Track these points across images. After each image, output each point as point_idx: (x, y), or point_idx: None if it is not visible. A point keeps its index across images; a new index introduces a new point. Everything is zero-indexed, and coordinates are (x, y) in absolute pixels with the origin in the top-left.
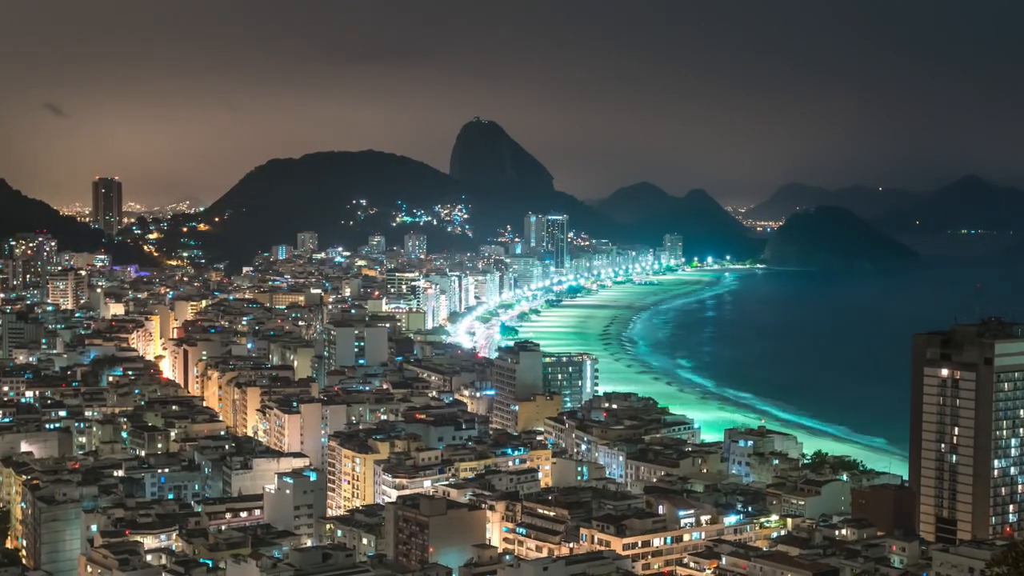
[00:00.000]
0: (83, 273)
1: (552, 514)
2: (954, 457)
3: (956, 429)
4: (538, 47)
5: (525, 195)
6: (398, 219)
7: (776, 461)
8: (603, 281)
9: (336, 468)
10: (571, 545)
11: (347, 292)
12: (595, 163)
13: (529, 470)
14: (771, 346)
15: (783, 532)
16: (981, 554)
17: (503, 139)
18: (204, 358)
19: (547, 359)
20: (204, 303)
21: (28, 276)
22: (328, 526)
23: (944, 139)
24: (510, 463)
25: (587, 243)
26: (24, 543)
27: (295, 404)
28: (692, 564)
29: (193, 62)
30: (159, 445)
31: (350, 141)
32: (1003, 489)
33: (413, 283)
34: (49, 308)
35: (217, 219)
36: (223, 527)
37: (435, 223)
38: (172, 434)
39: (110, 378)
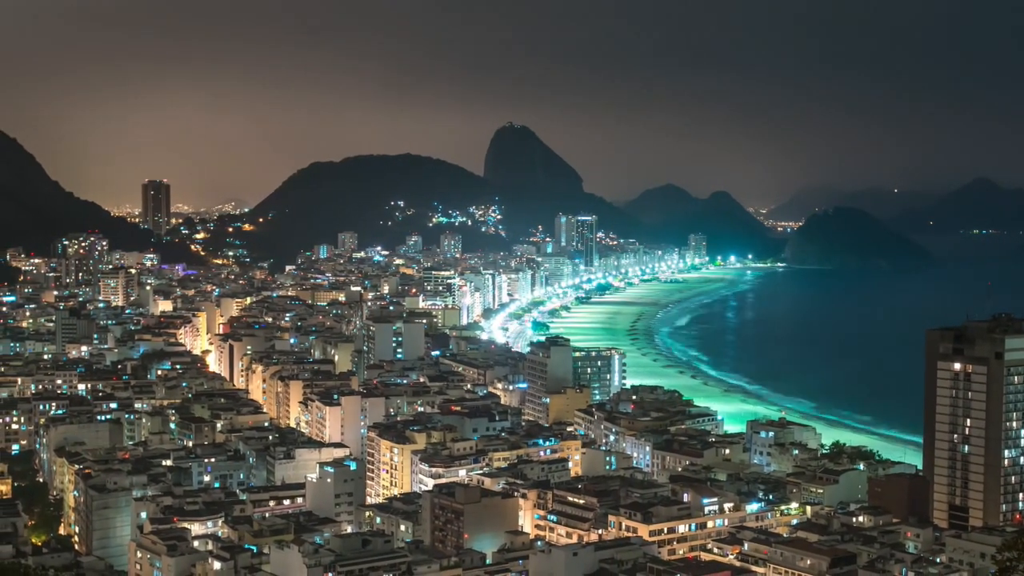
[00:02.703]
0: (133, 271)
1: (582, 502)
2: (966, 447)
3: (968, 420)
4: (568, 57)
5: (556, 197)
6: (434, 220)
7: (796, 451)
8: (630, 279)
9: (375, 458)
10: (600, 531)
11: (386, 289)
12: (623, 166)
13: (560, 460)
14: (791, 341)
15: (803, 519)
16: (992, 540)
17: (535, 143)
18: (249, 353)
19: (577, 354)
20: (249, 300)
21: (80, 274)
22: (367, 513)
23: (956, 143)
24: (541, 453)
25: (615, 243)
26: (77, 529)
27: (336, 397)
28: (716, 550)
29: (237, 70)
30: (206, 436)
31: (388, 145)
32: (1013, 478)
33: (449, 281)
34: (100, 305)
35: (261, 219)
36: (267, 514)
37: (470, 223)
38: (218, 425)
39: (159, 372)
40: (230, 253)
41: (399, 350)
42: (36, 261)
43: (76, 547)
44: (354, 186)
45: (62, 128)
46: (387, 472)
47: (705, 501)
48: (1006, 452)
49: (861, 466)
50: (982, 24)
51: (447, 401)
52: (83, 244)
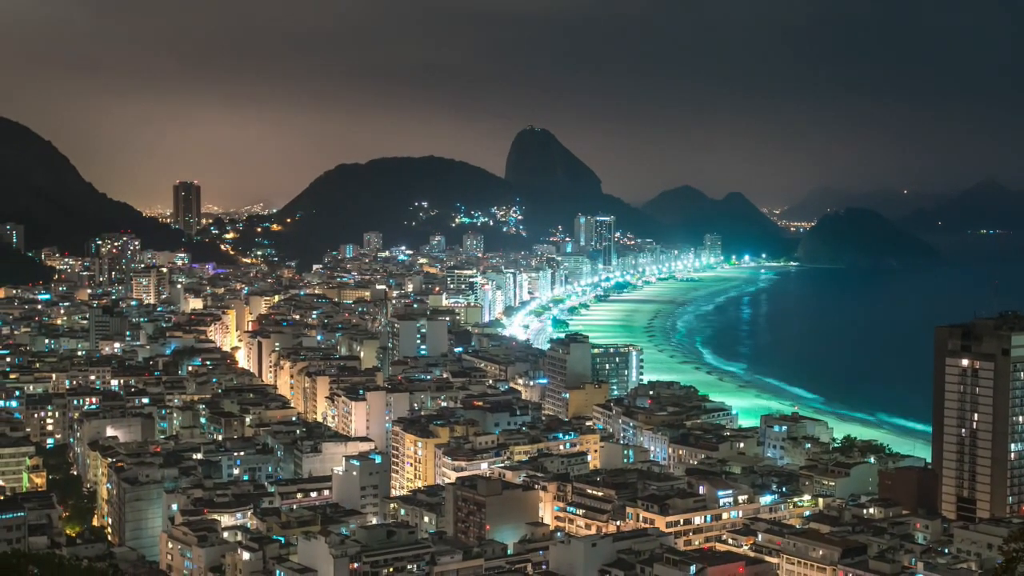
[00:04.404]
0: (164, 270)
1: (600, 494)
2: (974, 441)
3: (976, 415)
4: (588, 62)
5: (575, 198)
6: (457, 220)
7: (808, 445)
8: (648, 278)
9: (399, 451)
10: (618, 523)
11: (410, 288)
12: (640, 168)
13: (579, 453)
14: (804, 338)
15: (815, 511)
16: (999, 531)
17: (555, 146)
18: (277, 349)
19: (596, 350)
20: (277, 298)
21: (113, 273)
22: (392, 505)
23: (964, 145)
24: (561, 447)
25: (633, 242)
26: (110, 521)
27: (361, 392)
28: (730, 540)
29: (265, 75)
30: (235, 430)
31: (412, 147)
32: (1019, 471)
33: (471, 279)
34: (133, 303)
35: (289, 220)
36: (294, 506)
37: (491, 224)
38: (247, 420)
39: (189, 368)
40: (259, 252)
41: (423, 346)
42: (70, 260)
43: (109, 538)
44: (379, 187)
45: (96, 131)
46: (411, 465)
47: (720, 493)
48: (1012, 446)
49: (872, 459)
50: (988, 27)
51: (469, 396)
52: (116, 244)
